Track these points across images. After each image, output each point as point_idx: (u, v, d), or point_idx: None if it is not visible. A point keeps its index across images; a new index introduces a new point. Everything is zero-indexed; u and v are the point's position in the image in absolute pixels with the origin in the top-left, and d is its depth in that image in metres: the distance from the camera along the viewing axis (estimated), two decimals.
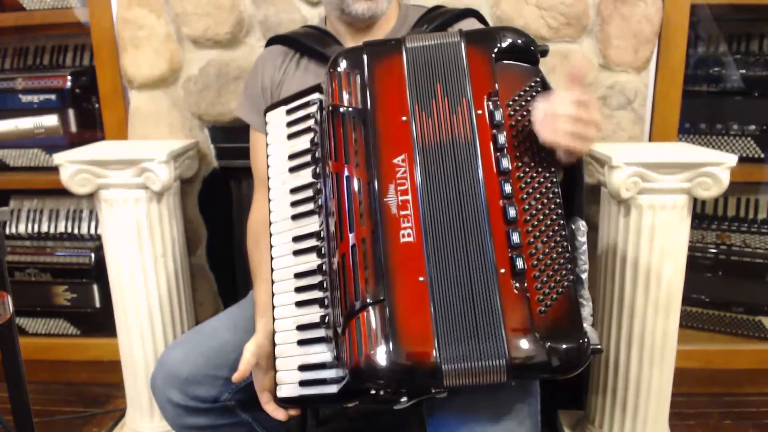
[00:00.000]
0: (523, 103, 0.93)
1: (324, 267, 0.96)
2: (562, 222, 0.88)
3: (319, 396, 0.95)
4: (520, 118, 0.92)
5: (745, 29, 1.88)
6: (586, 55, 1.62)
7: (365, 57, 0.95)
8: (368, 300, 0.85)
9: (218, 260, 1.85)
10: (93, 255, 1.95)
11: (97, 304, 1.99)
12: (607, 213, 1.52)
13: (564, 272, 0.86)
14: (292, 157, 1.05)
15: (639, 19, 1.59)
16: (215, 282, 1.86)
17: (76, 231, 2.03)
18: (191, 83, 1.70)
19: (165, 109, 1.73)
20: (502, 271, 0.85)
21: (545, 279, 0.86)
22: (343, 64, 0.96)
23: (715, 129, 1.89)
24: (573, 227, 0.94)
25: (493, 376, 0.83)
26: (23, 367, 1.01)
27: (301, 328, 0.98)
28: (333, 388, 0.93)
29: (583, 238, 0.94)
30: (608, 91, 1.64)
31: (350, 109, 0.93)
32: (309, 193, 1.01)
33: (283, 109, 1.09)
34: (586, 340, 0.84)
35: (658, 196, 1.40)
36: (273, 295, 1.02)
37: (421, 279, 0.86)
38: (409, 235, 0.87)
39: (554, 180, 0.89)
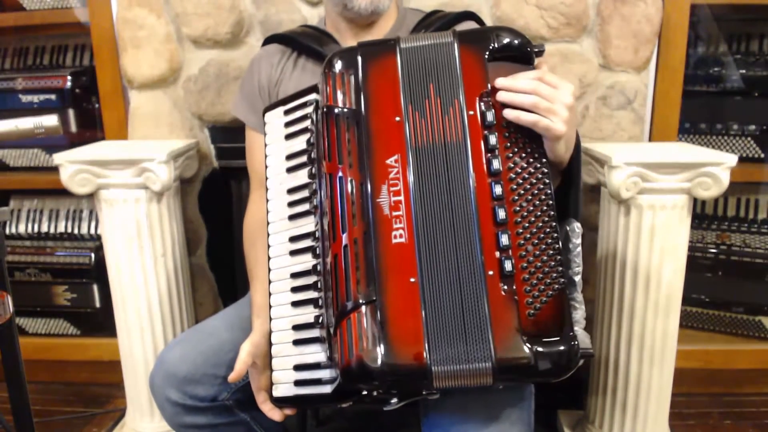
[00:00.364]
0: None
1: (318, 267, 0.96)
2: (554, 224, 0.87)
3: (315, 396, 0.95)
4: None
5: (745, 29, 1.88)
6: (586, 55, 1.62)
7: (359, 58, 0.94)
8: (360, 300, 0.85)
9: (218, 260, 1.85)
10: (93, 255, 1.95)
11: (97, 304, 1.99)
12: (607, 213, 1.52)
13: (555, 275, 0.85)
14: (289, 157, 1.05)
15: (639, 19, 1.59)
16: (215, 282, 1.86)
17: (76, 231, 2.03)
18: (191, 83, 1.70)
19: (165, 109, 1.73)
20: (491, 273, 0.84)
21: (535, 281, 0.85)
22: (338, 65, 0.95)
23: (715, 129, 1.89)
24: (567, 229, 0.94)
25: (479, 378, 0.82)
26: (23, 367, 1.01)
27: (296, 328, 0.98)
28: (327, 388, 0.93)
29: (577, 240, 0.93)
30: (608, 91, 1.64)
31: (344, 109, 0.93)
32: (305, 193, 1.01)
33: (281, 109, 1.09)
34: (575, 343, 0.83)
35: (658, 196, 1.40)
36: (270, 294, 1.02)
37: (412, 280, 0.85)
38: (401, 236, 0.87)
39: (547, 181, 0.88)
